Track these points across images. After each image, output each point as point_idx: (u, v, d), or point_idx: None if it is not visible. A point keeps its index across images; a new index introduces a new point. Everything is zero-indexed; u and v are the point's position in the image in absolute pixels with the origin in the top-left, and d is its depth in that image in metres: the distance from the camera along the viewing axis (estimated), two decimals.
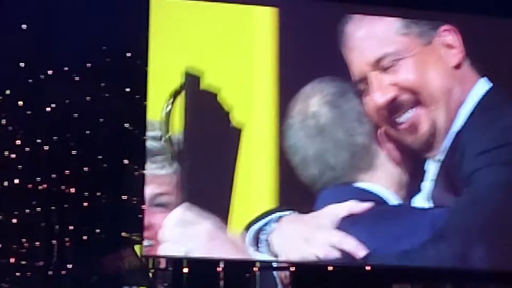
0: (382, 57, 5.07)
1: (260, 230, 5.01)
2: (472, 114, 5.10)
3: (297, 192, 5.11)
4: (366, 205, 5.02)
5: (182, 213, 4.98)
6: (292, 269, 5.33)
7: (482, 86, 5.19)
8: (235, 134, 5.15)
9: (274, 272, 5.44)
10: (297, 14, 5.39)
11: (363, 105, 5.11)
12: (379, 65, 5.07)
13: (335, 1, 5.45)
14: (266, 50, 5.28)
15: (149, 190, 5.06)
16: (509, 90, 5.29)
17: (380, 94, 5.06)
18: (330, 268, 5.22)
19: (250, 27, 5.31)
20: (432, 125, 5.08)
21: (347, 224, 4.98)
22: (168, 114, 5.04)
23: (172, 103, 5.06)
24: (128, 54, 5.45)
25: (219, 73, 5.19)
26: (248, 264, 5.29)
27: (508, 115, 5.14)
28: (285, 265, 5.31)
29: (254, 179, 5.14)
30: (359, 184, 5.10)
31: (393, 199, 5.11)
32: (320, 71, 5.18)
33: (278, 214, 5.07)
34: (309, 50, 5.28)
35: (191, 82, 5.12)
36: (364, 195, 5.06)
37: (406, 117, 5.09)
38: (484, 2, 5.45)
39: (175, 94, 5.09)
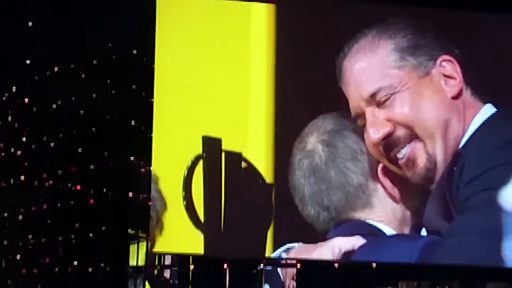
0: (376, 92, 4.95)
1: None
2: (469, 139, 4.98)
3: (302, 233, 5.15)
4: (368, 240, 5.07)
5: None
6: (298, 266, 5.35)
7: (485, 112, 5.07)
8: (268, 191, 5.18)
9: (280, 269, 5.47)
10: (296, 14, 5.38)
11: (363, 141, 5.05)
12: (374, 100, 4.96)
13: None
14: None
15: None
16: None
17: (374, 130, 4.96)
18: (336, 265, 5.24)
19: (247, 25, 5.32)
20: (429, 159, 4.96)
21: (347, 257, 5.06)
22: (189, 181, 5.10)
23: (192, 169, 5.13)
24: (134, 51, 5.44)
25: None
26: (254, 261, 5.31)
27: (504, 136, 5.01)
28: (292, 262, 5.34)
29: None
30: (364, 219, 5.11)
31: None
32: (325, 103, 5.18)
33: (288, 245, 5.17)
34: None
35: (211, 146, 5.14)
36: (368, 229, 5.06)
37: (404, 152, 4.99)
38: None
39: (195, 160, 5.13)
